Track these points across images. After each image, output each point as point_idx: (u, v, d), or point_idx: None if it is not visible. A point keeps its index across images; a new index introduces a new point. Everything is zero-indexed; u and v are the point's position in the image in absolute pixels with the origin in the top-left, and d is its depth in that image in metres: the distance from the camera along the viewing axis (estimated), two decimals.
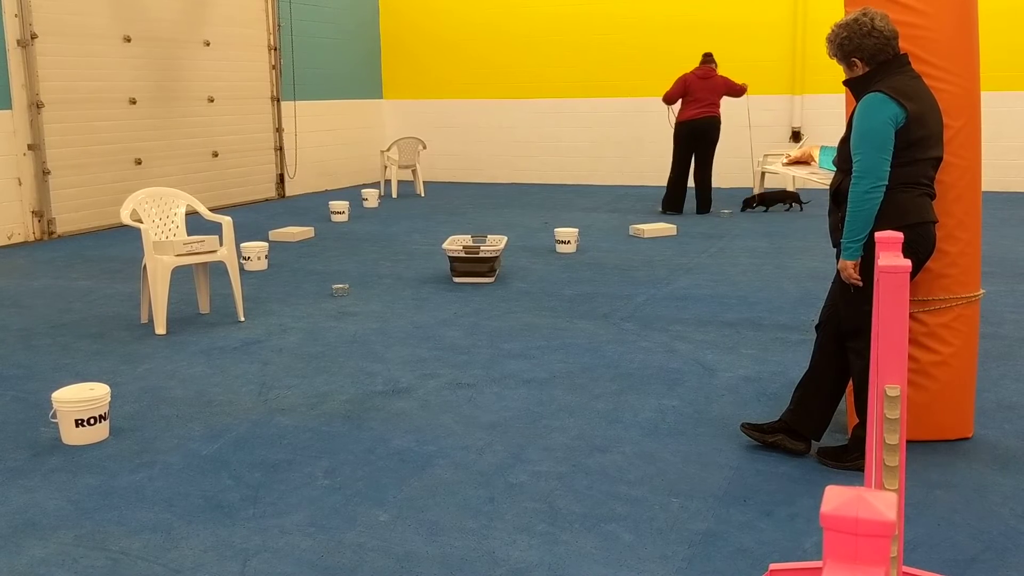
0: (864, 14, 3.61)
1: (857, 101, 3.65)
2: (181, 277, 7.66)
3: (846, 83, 3.76)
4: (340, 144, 15.24)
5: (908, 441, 4.08)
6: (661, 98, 11.59)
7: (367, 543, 3.27)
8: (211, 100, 12.50)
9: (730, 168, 14.33)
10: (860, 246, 3.60)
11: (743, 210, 11.49)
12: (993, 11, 12.62)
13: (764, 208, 11.53)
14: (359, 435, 4.29)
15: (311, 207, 12.69)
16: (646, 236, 9.77)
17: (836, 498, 1.20)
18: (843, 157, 3.70)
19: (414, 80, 16.03)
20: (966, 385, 4.05)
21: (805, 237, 9.64)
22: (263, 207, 12.83)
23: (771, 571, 2.69)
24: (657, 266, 8.19)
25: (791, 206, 11.58)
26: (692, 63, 14.22)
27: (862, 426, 3.81)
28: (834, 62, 13.22)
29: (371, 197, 12.54)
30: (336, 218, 11.27)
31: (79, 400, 4.19)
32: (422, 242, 9.62)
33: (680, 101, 11.36)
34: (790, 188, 12.41)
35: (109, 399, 4.33)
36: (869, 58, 3.62)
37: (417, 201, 13.25)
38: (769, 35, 13.88)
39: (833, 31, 3.69)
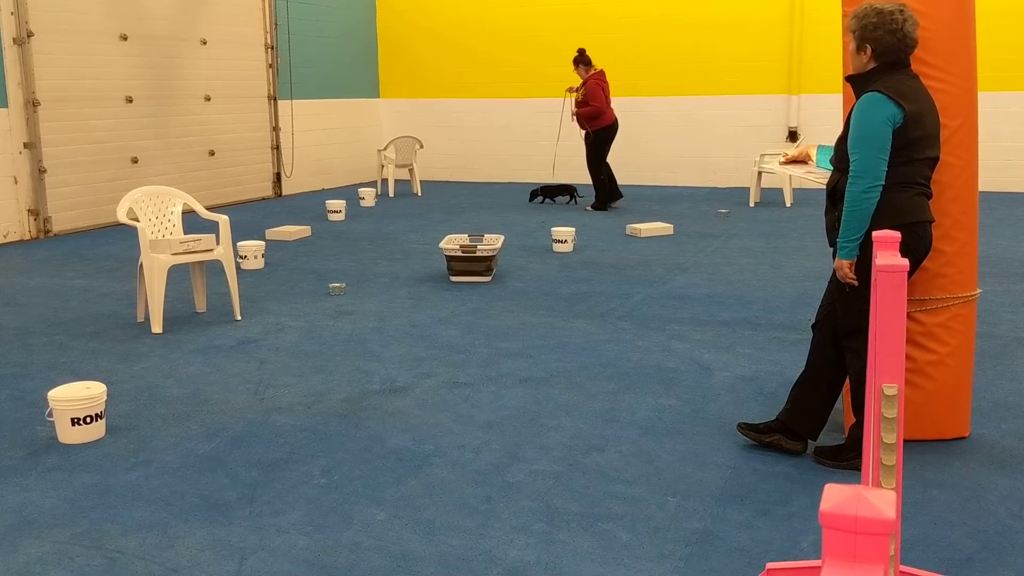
0: (900, 11, 3.52)
1: (856, 98, 3.64)
2: (178, 276, 7.64)
3: (848, 78, 3.74)
4: (337, 143, 15.22)
5: (905, 440, 4.09)
6: (586, 112, 11.53)
7: (364, 542, 3.27)
8: (208, 99, 12.48)
9: (728, 168, 14.34)
10: (856, 245, 3.59)
11: (530, 201, 12.62)
12: (991, 11, 12.63)
13: (543, 199, 12.58)
14: (356, 434, 4.29)
15: (308, 206, 12.68)
16: (643, 235, 9.77)
17: (835, 496, 1.20)
18: (840, 156, 3.70)
19: (411, 79, 16.02)
20: (962, 384, 4.06)
21: (801, 237, 9.65)
22: (260, 206, 12.82)
23: (768, 570, 2.69)
24: (654, 265, 8.19)
25: (571, 198, 12.53)
26: (689, 62, 14.28)
27: (859, 425, 3.82)
28: (831, 62, 13.33)
29: (368, 196, 12.53)
30: (333, 217, 11.27)
31: (75, 399, 4.19)
32: (419, 241, 9.62)
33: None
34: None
35: (105, 398, 4.32)
36: (881, 53, 3.58)
37: (414, 200, 13.24)
38: (766, 34, 13.88)
39: (863, 9, 3.58)
